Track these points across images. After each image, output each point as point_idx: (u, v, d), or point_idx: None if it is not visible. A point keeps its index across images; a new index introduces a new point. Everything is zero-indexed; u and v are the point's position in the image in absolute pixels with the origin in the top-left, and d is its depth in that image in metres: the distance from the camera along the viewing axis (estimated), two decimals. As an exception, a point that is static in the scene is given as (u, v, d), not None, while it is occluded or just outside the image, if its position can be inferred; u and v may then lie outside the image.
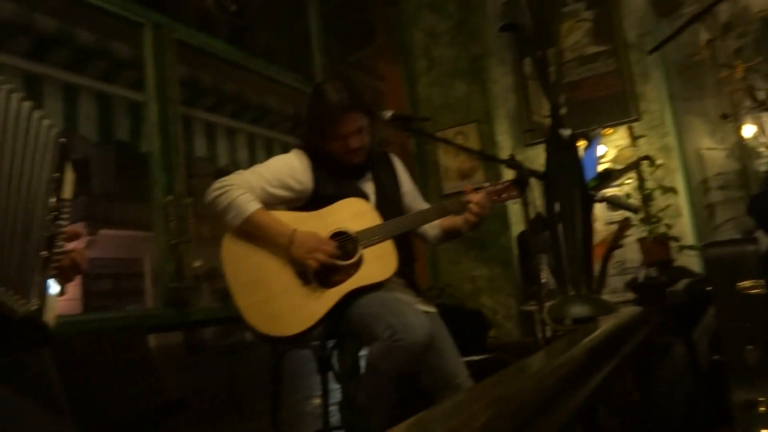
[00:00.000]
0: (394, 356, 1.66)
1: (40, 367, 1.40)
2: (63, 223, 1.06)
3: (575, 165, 1.19)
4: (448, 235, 2.18)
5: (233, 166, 3.60)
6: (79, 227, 1.16)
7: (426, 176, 4.25)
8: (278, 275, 1.81)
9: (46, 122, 1.06)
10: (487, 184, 2.07)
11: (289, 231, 1.83)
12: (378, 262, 1.88)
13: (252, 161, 3.71)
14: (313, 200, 1.97)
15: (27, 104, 1.01)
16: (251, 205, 1.83)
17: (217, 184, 1.86)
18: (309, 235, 1.84)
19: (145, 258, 11.78)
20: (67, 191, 1.10)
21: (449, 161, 4.30)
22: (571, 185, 1.17)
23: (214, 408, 2.42)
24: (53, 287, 1.00)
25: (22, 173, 0.96)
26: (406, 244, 2.08)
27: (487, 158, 2.55)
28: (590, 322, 0.97)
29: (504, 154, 3.96)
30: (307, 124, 2.00)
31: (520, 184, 1.86)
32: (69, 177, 1.12)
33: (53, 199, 1.04)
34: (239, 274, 1.80)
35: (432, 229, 2.19)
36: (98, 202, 11.24)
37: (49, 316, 0.98)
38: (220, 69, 3.24)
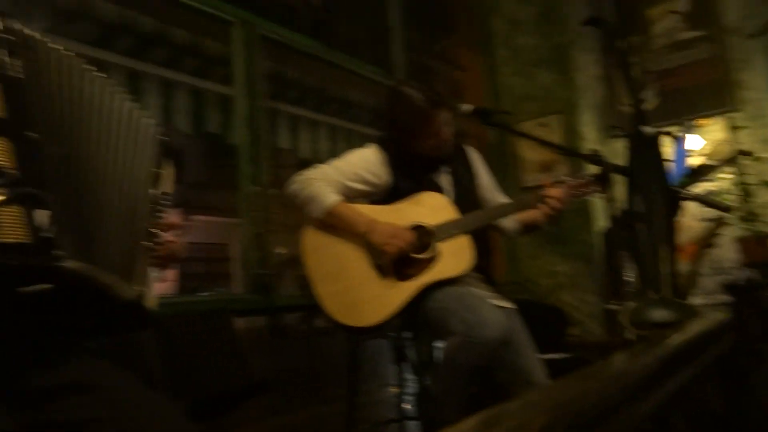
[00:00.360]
0: (469, 351, 1.67)
1: (140, 345, 1.52)
2: (162, 214, 1.14)
3: (657, 162, 1.13)
4: (527, 228, 2.15)
5: (315, 158, 3.70)
6: (177, 218, 1.25)
7: (505, 168, 4.18)
8: (356, 267, 1.86)
9: (148, 121, 1.14)
10: (568, 178, 2.02)
11: (368, 220, 1.87)
12: (454, 257, 1.89)
13: (333, 153, 3.80)
14: (390, 194, 2.00)
15: (133, 105, 1.10)
16: (331, 197, 1.88)
17: (298, 177, 1.93)
18: (387, 225, 1.88)
19: (233, 243, 12.32)
20: (167, 185, 1.18)
21: (530, 153, 4.20)
22: (653, 183, 1.12)
23: (293, 390, 2.52)
24: (153, 274, 1.09)
25: (126, 169, 1.04)
26: (484, 238, 2.07)
27: (568, 152, 2.48)
28: (671, 326, 0.94)
29: (588, 146, 3.83)
30: (392, 126, 2.01)
31: (602, 180, 1.80)
32: (168, 171, 1.21)
33: (154, 193, 1.12)
34: (319, 264, 1.87)
35: (510, 222, 2.16)
36: (191, 190, 11.87)
37: (150, 301, 1.07)
38: (303, 63, 3.34)
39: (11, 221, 0.73)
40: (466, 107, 2.03)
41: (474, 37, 4.53)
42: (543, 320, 3.24)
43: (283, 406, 2.45)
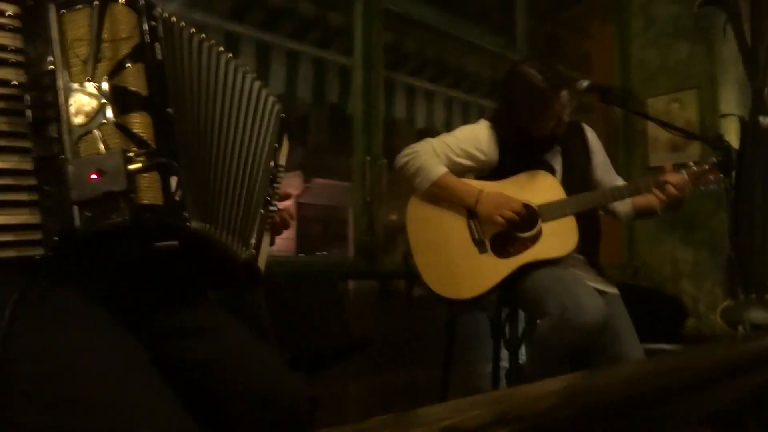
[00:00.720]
0: (563, 334, 1.66)
1: (254, 301, 1.69)
2: (277, 185, 1.25)
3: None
4: (640, 214, 2.06)
5: (430, 129, 3.74)
6: (290, 189, 1.36)
7: (631, 147, 3.96)
8: (457, 240, 1.90)
9: (271, 99, 1.24)
10: (691, 164, 1.90)
11: (476, 191, 1.90)
12: (557, 238, 1.87)
13: (448, 124, 3.82)
14: (495, 172, 2.00)
15: (257, 83, 1.20)
16: (438, 169, 1.92)
17: (406, 150, 1.99)
18: (496, 194, 1.89)
19: (349, 207, 12.78)
20: (283, 159, 1.28)
21: (659, 132, 3.91)
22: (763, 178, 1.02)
23: (393, 352, 2.64)
24: (265, 239, 1.20)
25: (250, 142, 1.15)
26: (592, 220, 2.02)
27: (688, 135, 2.29)
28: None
29: (729, 125, 3.50)
30: (509, 106, 1.98)
31: (724, 168, 1.68)
32: (285, 146, 1.31)
33: (272, 165, 1.23)
34: (421, 235, 1.93)
35: (623, 205, 2.08)
36: (312, 154, 12.42)
37: (261, 263, 1.19)
38: (423, 34, 3.36)
39: (148, 185, 0.86)
40: (584, 84, 1.96)
41: (606, 4, 4.26)
42: (656, 308, 3.08)
43: (384, 367, 2.58)
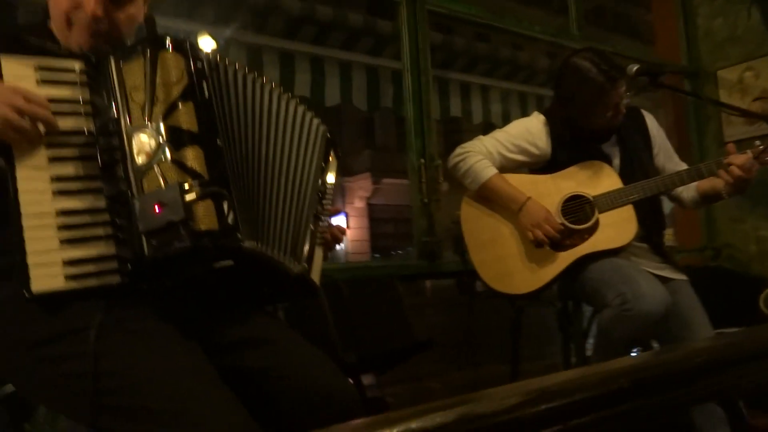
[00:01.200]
0: (625, 325, 1.64)
1: (318, 308, 1.79)
2: (327, 201, 1.33)
3: None
4: (706, 199, 1.98)
5: (488, 124, 3.74)
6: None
7: (703, 121, 3.78)
8: (511, 236, 1.92)
9: (315, 121, 1.32)
10: (757, 142, 1.82)
11: (522, 198, 1.89)
12: (615, 228, 1.84)
13: (506, 117, 3.79)
14: (551, 165, 1.99)
15: (301, 108, 1.28)
16: (488, 171, 1.93)
17: (458, 150, 2.02)
18: (539, 209, 1.86)
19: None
20: (332, 176, 1.36)
21: (734, 103, 3.72)
22: None
23: (472, 349, 2.67)
24: (317, 253, 1.28)
25: (297, 164, 1.23)
26: (654, 207, 1.97)
27: (744, 113, 2.17)
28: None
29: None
30: (566, 101, 1.96)
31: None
32: (333, 164, 1.38)
33: (320, 183, 1.31)
34: (475, 233, 1.96)
35: (687, 191, 2.02)
36: (381, 154, 12.57)
37: (315, 275, 1.27)
38: (471, 31, 3.36)
39: (204, 213, 0.95)
40: (633, 68, 1.91)
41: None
42: (740, 290, 2.94)
43: (461, 363, 2.61)
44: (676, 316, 1.76)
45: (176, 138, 0.98)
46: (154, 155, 0.97)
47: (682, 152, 3.94)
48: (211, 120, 1.04)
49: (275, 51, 2.95)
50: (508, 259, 1.90)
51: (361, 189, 13.48)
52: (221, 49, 2.93)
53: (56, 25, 1.13)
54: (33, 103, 0.94)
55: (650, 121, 2.08)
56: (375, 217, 13.36)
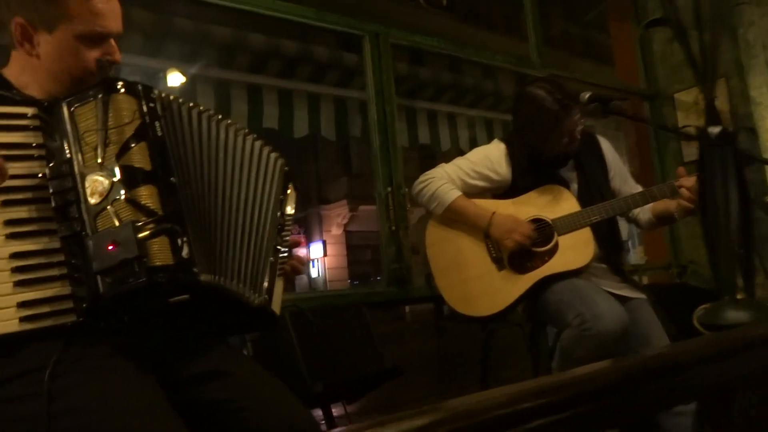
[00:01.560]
0: (585, 344, 1.68)
1: (286, 338, 1.80)
2: (286, 233, 1.35)
3: (731, 161, 1.04)
4: (661, 220, 2.06)
5: (455, 150, 3.81)
6: (299, 238, 1.45)
7: (663, 143, 3.90)
8: (475, 260, 1.96)
9: (273, 155, 1.33)
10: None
11: (488, 214, 1.94)
12: (574, 250, 1.89)
13: (473, 143, 3.88)
14: (512, 190, 2.05)
15: (258, 143, 1.30)
16: (452, 194, 1.98)
17: (421, 177, 2.06)
18: (507, 217, 1.93)
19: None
20: (290, 208, 1.38)
21: (692, 123, 3.86)
22: (727, 181, 1.03)
23: (443, 372, 2.67)
24: (278, 284, 1.30)
25: (255, 197, 1.25)
26: (612, 229, 2.03)
27: (680, 134, 2.27)
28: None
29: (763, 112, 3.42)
30: (522, 128, 2.02)
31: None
32: (291, 196, 1.41)
33: (279, 215, 1.33)
34: (440, 258, 2.00)
35: (643, 213, 2.09)
36: (357, 182, 12.63)
37: (276, 307, 1.28)
38: (435, 62, 3.46)
39: (159, 249, 0.97)
40: (585, 96, 1.98)
41: (623, 4, 4.25)
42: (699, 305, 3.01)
43: (418, 389, 2.62)
44: (635, 334, 1.80)
45: (130, 177, 1.00)
46: (107, 195, 0.99)
47: (644, 172, 4.08)
48: (165, 158, 1.07)
49: (243, 85, 3.00)
50: (472, 282, 1.93)
51: (338, 216, 13.51)
52: (189, 84, 2.97)
53: (32, 75, 1.14)
54: None
55: (605, 145, 2.15)
56: (352, 244, 13.38)
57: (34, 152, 1.02)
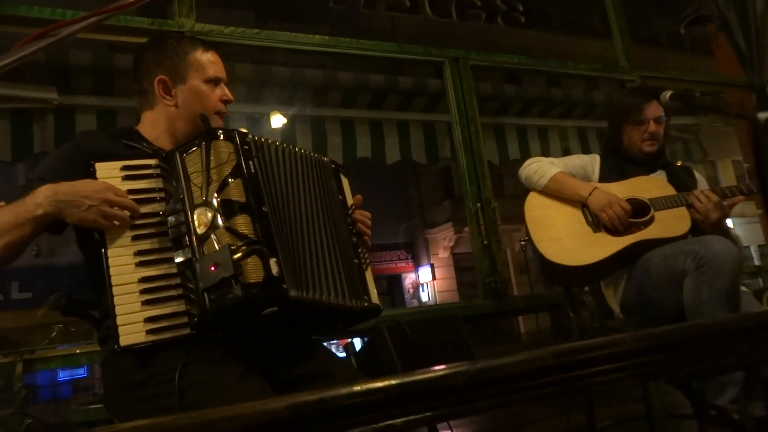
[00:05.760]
0: (707, 284, 1.65)
1: (385, 348, 1.93)
2: (354, 228, 1.47)
3: None
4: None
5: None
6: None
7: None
8: (573, 222, 2.00)
9: (325, 159, 1.47)
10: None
11: (590, 186, 2.03)
12: (671, 221, 1.92)
13: (566, 153, 3.84)
14: None
15: (313, 155, 1.44)
16: (555, 169, 2.10)
17: (528, 160, 2.18)
18: (607, 193, 2.00)
19: (506, 249, 12.68)
20: (348, 197, 1.51)
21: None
22: None
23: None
24: (368, 276, 1.43)
25: (323, 210, 1.39)
26: None
27: (743, 117, 2.14)
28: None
29: None
30: (611, 130, 2.20)
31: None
32: (346, 184, 1.52)
33: (347, 214, 1.47)
34: (538, 220, 2.04)
35: None
36: (460, 204, 12.65)
37: (374, 298, 1.42)
38: (516, 77, 3.49)
39: (251, 268, 1.14)
40: (667, 94, 1.99)
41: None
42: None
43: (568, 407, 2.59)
44: None
45: (228, 208, 1.19)
46: (210, 225, 1.18)
47: None
48: (258, 190, 1.24)
49: (336, 120, 3.23)
50: (569, 238, 1.97)
51: (444, 239, 13.57)
52: (289, 124, 3.25)
53: (166, 124, 1.42)
54: (119, 196, 1.18)
55: (699, 176, 2.20)
56: (460, 266, 13.34)
57: (157, 195, 1.24)
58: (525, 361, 0.52)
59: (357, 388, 0.43)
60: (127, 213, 1.19)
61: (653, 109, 2.07)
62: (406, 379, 0.46)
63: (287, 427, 0.40)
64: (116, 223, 1.18)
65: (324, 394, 0.43)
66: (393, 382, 0.45)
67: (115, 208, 1.17)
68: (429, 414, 0.45)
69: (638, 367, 0.62)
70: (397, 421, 0.44)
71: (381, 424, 0.43)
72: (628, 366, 0.61)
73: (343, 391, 0.43)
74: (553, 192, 2.07)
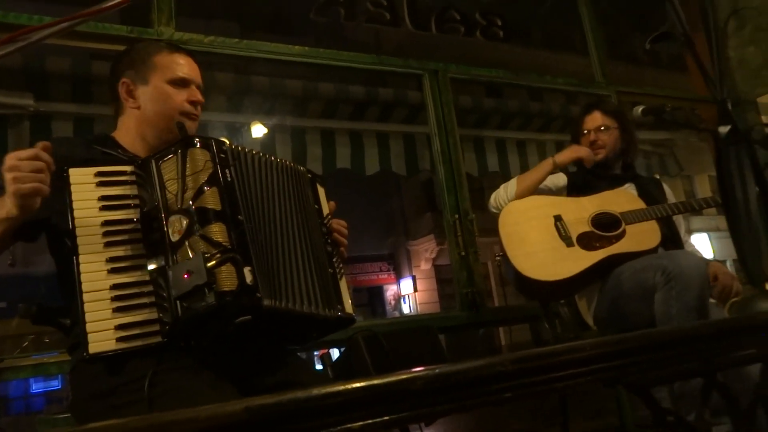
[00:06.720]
0: (675, 298, 1.68)
1: (360, 358, 1.93)
2: (330, 237, 1.48)
3: (746, 158, 1.02)
4: None
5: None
6: (426, 253, 1.64)
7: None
8: (546, 237, 2.03)
9: (301, 169, 1.47)
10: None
11: (549, 158, 2.20)
12: (642, 235, 1.96)
13: (544, 167, 3.88)
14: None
15: (289, 164, 1.43)
16: (512, 179, 2.23)
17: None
18: (567, 147, 2.22)
19: (488, 261, 12.73)
20: (324, 207, 1.51)
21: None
22: (744, 178, 1.02)
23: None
24: (343, 285, 1.44)
25: (298, 220, 1.39)
26: (672, 230, 2.09)
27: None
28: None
29: None
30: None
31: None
32: (321, 193, 1.53)
33: (322, 224, 1.47)
34: (513, 236, 2.06)
35: None
36: (441, 215, 12.70)
37: (348, 307, 1.42)
38: (496, 90, 3.53)
39: (226, 276, 1.14)
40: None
41: (692, 14, 4.14)
42: None
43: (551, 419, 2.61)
44: None
45: (203, 216, 1.19)
46: (185, 232, 1.18)
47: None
48: (233, 198, 1.24)
49: (316, 130, 3.23)
50: (542, 253, 1.99)
51: (425, 251, 13.59)
52: (269, 134, 3.25)
53: (136, 129, 1.41)
54: (23, 159, 1.10)
55: (668, 189, 2.30)
56: (441, 277, 13.37)
57: (131, 201, 1.24)
58: (484, 366, 0.53)
59: (315, 392, 0.44)
60: (40, 163, 1.11)
61: (592, 120, 2.24)
62: (365, 383, 0.47)
63: (243, 431, 0.41)
64: (40, 177, 1.11)
65: (281, 397, 0.43)
66: (351, 386, 0.46)
67: (24, 163, 1.10)
68: (387, 418, 0.46)
69: (596, 373, 0.63)
70: (356, 424, 0.45)
71: (340, 427, 0.44)
72: (587, 372, 0.63)
73: (301, 394, 0.43)
74: (526, 190, 2.16)
